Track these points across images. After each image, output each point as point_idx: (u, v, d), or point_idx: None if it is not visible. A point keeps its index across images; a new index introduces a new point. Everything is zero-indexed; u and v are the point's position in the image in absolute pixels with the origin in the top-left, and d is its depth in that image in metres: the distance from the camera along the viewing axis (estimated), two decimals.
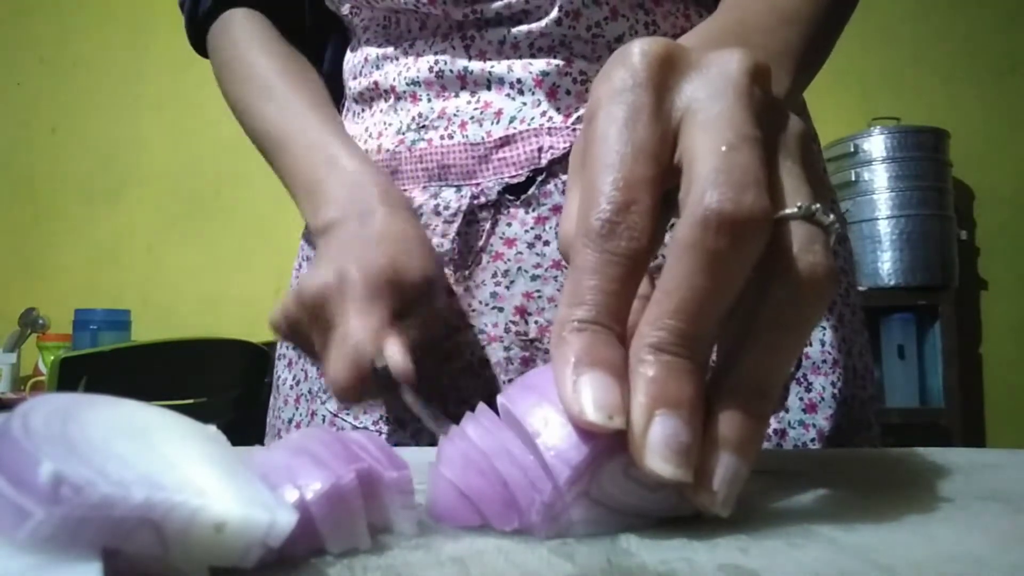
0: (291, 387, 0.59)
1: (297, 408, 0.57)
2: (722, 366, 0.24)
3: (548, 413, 0.24)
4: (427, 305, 0.47)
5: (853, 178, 2.04)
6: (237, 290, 2.42)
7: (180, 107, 2.48)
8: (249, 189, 2.45)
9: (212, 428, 0.23)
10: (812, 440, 0.51)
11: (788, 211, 0.24)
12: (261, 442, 0.60)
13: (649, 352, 0.23)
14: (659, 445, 0.22)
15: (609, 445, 0.23)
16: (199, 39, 0.63)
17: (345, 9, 0.58)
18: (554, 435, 0.24)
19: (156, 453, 0.19)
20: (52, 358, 1.47)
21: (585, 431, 0.23)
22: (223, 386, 1.65)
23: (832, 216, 0.25)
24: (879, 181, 2.02)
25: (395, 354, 0.42)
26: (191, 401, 1.53)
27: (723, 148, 0.24)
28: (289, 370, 0.60)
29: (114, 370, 1.46)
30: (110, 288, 2.42)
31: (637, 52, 0.26)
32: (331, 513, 0.21)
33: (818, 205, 0.25)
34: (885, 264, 2.00)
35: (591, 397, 0.23)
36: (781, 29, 0.42)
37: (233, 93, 0.58)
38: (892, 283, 1.99)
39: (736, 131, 0.24)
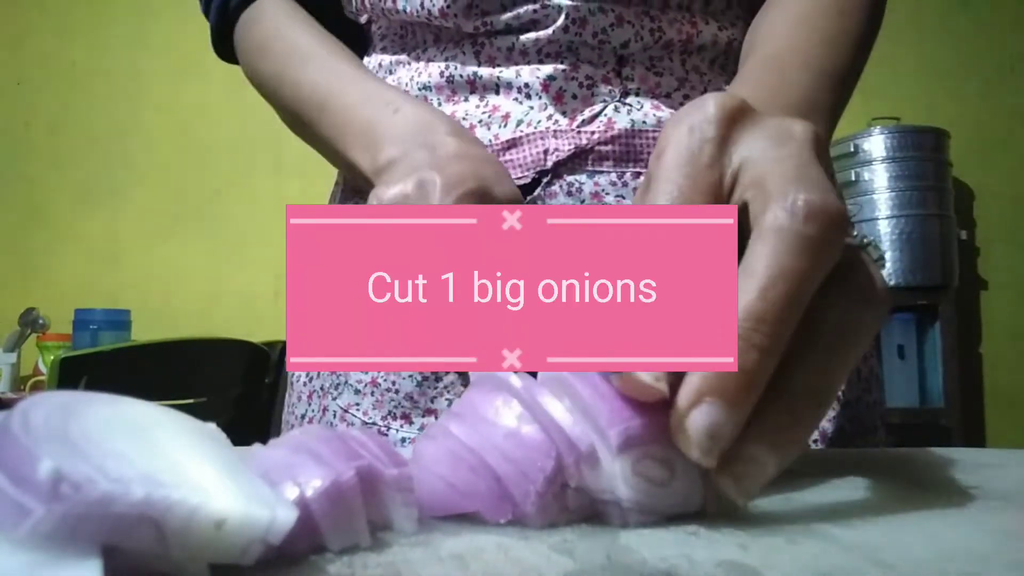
0: (304, 383, 0.59)
1: (310, 404, 0.57)
2: (780, 367, 0.25)
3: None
4: None
5: (853, 178, 2.04)
6: (237, 290, 2.42)
7: (180, 107, 2.48)
8: (249, 189, 2.45)
9: (212, 426, 0.23)
10: (815, 442, 0.51)
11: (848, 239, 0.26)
12: (263, 441, 0.59)
13: None
14: (698, 433, 0.23)
15: (639, 434, 0.24)
16: (225, 37, 0.62)
17: (363, 18, 0.58)
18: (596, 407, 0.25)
19: (156, 450, 0.19)
20: (52, 358, 1.47)
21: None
22: (223, 386, 1.65)
23: (880, 252, 0.28)
24: (879, 181, 2.02)
25: None
26: (191, 401, 1.53)
27: (797, 166, 0.27)
28: None
29: (114, 370, 1.46)
30: (110, 288, 2.42)
31: (712, 103, 0.29)
32: (331, 510, 0.21)
33: (870, 239, 0.28)
34: (885, 264, 2.00)
35: None
36: (815, 86, 0.43)
37: (269, 70, 0.55)
38: (892, 283, 1.99)
39: (805, 158, 0.27)
